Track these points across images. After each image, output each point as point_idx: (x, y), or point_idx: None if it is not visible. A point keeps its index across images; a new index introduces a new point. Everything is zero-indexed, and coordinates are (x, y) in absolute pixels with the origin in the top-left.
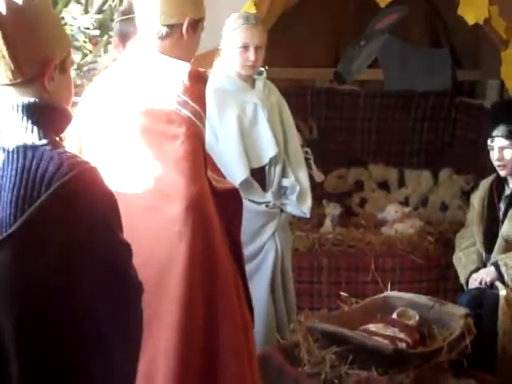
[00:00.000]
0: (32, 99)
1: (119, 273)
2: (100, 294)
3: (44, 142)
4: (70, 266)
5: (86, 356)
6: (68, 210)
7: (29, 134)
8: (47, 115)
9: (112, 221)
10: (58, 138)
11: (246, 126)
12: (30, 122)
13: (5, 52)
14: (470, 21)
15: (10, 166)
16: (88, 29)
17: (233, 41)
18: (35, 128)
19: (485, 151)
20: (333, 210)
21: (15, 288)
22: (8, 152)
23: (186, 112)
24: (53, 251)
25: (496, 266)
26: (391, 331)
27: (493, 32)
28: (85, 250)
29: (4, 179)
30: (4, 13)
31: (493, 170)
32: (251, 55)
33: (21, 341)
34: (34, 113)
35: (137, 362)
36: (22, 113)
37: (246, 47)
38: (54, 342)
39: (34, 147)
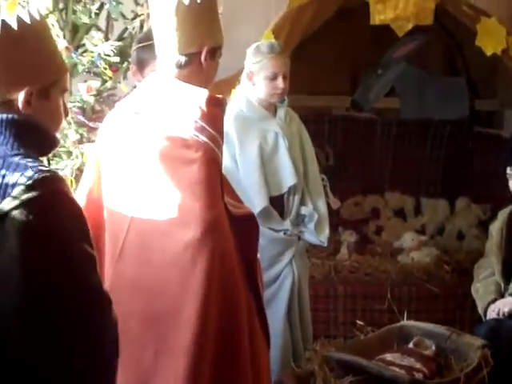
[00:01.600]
0: (11, 115)
1: (79, 283)
2: (60, 303)
3: (15, 152)
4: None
5: (44, 365)
6: (27, 220)
7: (3, 146)
8: (24, 130)
9: (73, 231)
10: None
11: (267, 154)
12: (5, 134)
13: None
14: (488, 51)
15: None
16: (108, 56)
17: (260, 71)
18: (10, 140)
19: (502, 181)
20: (349, 237)
21: None
22: None
23: (203, 137)
24: (5, 261)
25: None
26: (408, 361)
27: (511, 62)
28: (42, 257)
29: None
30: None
31: (511, 199)
32: (280, 83)
33: None
34: (9, 126)
35: (109, 371)
36: (0, 126)
37: (274, 76)
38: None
39: (5, 157)
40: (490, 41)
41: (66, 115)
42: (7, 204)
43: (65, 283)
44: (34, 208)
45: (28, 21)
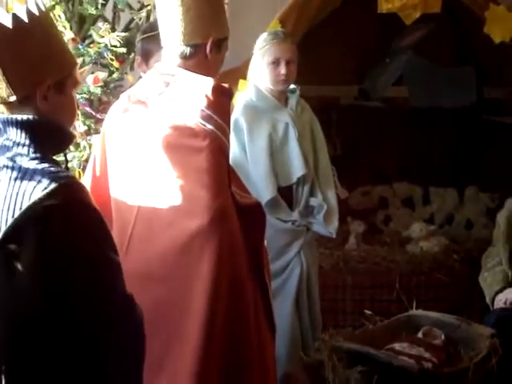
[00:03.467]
0: (25, 116)
1: (104, 288)
2: (87, 309)
3: (32, 156)
4: (52, 282)
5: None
6: (48, 227)
7: (20, 148)
8: (40, 132)
9: (94, 238)
10: (59, 156)
11: (277, 144)
12: (25, 137)
13: None
14: (496, 39)
15: (2, 179)
16: (115, 47)
17: (263, 57)
18: (27, 142)
19: (510, 169)
20: (357, 227)
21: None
22: (3, 166)
23: (209, 126)
24: (29, 269)
25: None
26: (417, 350)
27: None
28: (64, 267)
29: None
30: (10, 26)
31: None
32: (282, 69)
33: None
34: (26, 128)
35: (138, 371)
36: (15, 128)
37: (276, 62)
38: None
39: (22, 162)
40: (498, 28)
41: (77, 107)
42: (25, 213)
43: (90, 291)
44: (53, 217)
45: (36, 13)
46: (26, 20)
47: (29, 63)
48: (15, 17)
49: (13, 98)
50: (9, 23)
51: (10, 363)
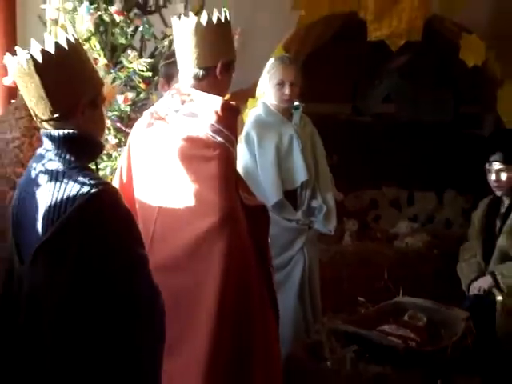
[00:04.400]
0: (66, 131)
1: (137, 279)
2: (120, 295)
3: (73, 166)
4: (92, 272)
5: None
6: (88, 226)
7: (62, 160)
8: (79, 144)
9: (127, 236)
10: (92, 164)
11: (283, 154)
12: (64, 149)
13: (43, 94)
14: (470, 63)
15: (46, 187)
16: (142, 71)
17: (271, 79)
18: (67, 155)
19: (483, 174)
20: (351, 226)
21: (48, 294)
22: (46, 175)
23: (219, 138)
24: (73, 262)
25: (493, 275)
26: (403, 332)
27: (490, 73)
28: (101, 261)
29: (41, 198)
30: (40, 61)
31: (490, 191)
32: (286, 90)
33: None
34: (67, 142)
35: (159, 351)
36: (58, 142)
37: (281, 84)
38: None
39: (65, 171)
40: (471, 54)
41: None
42: (71, 215)
43: (123, 281)
44: (94, 218)
45: (73, 41)
46: (66, 47)
47: (68, 85)
48: (57, 44)
49: (55, 116)
50: (52, 50)
51: (55, 343)
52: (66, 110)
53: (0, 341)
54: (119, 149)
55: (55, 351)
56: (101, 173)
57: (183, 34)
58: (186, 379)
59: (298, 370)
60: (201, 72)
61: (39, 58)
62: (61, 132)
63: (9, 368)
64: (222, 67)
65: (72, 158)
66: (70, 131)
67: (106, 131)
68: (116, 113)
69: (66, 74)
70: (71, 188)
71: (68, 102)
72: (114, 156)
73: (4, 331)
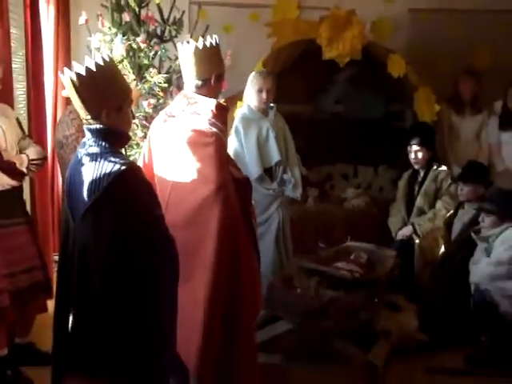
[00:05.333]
0: (99, 126)
1: (157, 232)
2: (145, 247)
3: (107, 150)
4: (124, 227)
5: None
6: (120, 194)
7: (99, 146)
8: (109, 135)
9: (149, 201)
10: (122, 149)
11: (262, 141)
12: (100, 138)
13: (79, 103)
14: (395, 75)
15: (88, 166)
16: (160, 83)
17: (253, 87)
18: (103, 142)
19: (405, 154)
20: (313, 192)
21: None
22: (88, 157)
23: (214, 129)
24: (110, 220)
25: (412, 225)
26: (350, 266)
27: (409, 81)
28: (131, 219)
29: (85, 174)
30: (84, 74)
31: (410, 165)
32: (264, 95)
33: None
34: (100, 133)
35: (175, 284)
36: (95, 133)
37: (260, 90)
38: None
39: (102, 154)
40: (395, 68)
41: (133, 118)
42: (108, 187)
43: (147, 233)
44: (124, 189)
45: (108, 59)
46: (102, 63)
47: (98, 95)
48: (97, 63)
49: (88, 117)
50: (93, 67)
51: (102, 280)
52: (94, 114)
53: (60, 279)
54: (145, 140)
55: (102, 286)
56: (132, 157)
57: (186, 55)
58: (194, 302)
59: (277, 294)
60: (200, 82)
61: (82, 72)
62: (95, 126)
63: (68, 307)
64: (215, 78)
65: (106, 145)
66: (101, 126)
67: (135, 127)
68: (142, 114)
69: (97, 88)
70: (107, 166)
71: (94, 109)
72: (141, 145)
73: (63, 274)
